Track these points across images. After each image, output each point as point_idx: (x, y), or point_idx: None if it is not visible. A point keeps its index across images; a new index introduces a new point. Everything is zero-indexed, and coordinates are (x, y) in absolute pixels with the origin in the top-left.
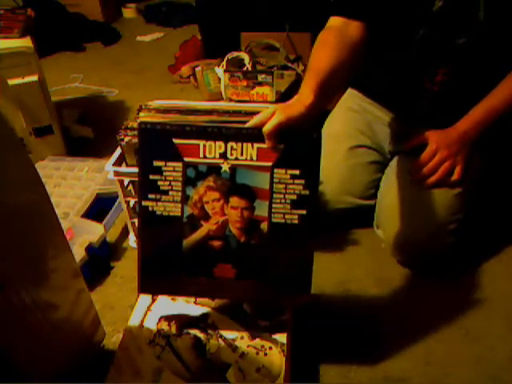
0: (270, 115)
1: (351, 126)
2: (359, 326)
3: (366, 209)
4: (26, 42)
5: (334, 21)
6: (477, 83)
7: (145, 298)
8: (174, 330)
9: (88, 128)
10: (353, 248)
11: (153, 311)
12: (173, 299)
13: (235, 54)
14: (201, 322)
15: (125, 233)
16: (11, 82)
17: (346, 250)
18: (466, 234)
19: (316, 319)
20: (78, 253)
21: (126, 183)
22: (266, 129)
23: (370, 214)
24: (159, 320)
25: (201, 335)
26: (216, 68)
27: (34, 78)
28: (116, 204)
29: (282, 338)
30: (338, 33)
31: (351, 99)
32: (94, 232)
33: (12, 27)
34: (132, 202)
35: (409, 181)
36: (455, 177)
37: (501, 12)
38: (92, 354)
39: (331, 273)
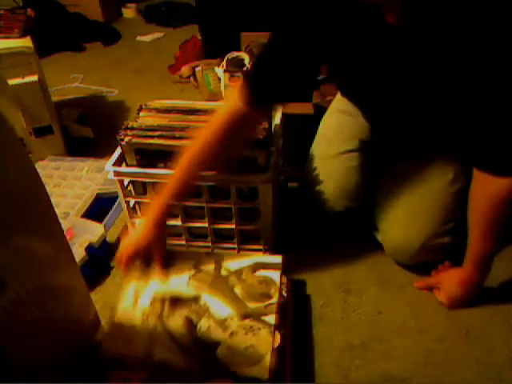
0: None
1: (344, 129)
2: (359, 327)
3: (365, 210)
4: (26, 42)
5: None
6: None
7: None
8: (166, 309)
9: (88, 128)
10: (353, 248)
11: (146, 290)
12: (166, 279)
13: (235, 53)
14: (193, 303)
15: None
16: (11, 82)
17: (346, 250)
18: (466, 234)
19: (316, 319)
20: (78, 253)
21: (125, 183)
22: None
23: (369, 215)
24: (152, 299)
25: (192, 315)
26: (216, 68)
27: (34, 78)
28: (116, 204)
29: (270, 319)
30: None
31: (343, 101)
32: (93, 232)
33: (12, 27)
34: (132, 201)
35: (404, 183)
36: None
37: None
38: (92, 354)
39: (331, 273)
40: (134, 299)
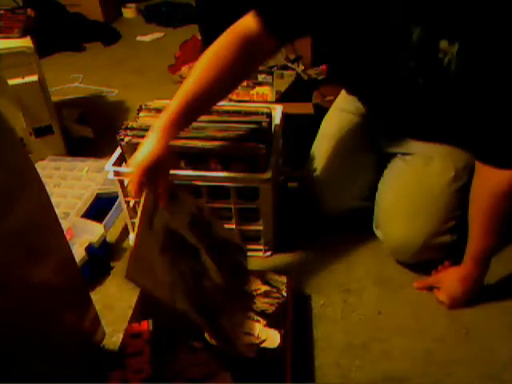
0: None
1: (346, 127)
2: (359, 327)
3: (366, 209)
4: (26, 42)
5: (251, 22)
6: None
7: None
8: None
9: (88, 128)
10: (353, 248)
11: (157, 216)
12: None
13: None
14: (194, 256)
15: (125, 233)
16: (11, 81)
17: (346, 250)
18: (466, 234)
19: (316, 319)
20: (78, 253)
21: (126, 183)
22: (130, 190)
23: (369, 214)
24: (164, 229)
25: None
26: None
27: (34, 78)
28: (116, 204)
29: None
30: (248, 42)
31: (345, 100)
32: (94, 232)
33: (12, 27)
34: (132, 201)
35: (405, 182)
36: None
37: (473, 64)
38: (92, 353)
39: (331, 273)
40: (149, 225)
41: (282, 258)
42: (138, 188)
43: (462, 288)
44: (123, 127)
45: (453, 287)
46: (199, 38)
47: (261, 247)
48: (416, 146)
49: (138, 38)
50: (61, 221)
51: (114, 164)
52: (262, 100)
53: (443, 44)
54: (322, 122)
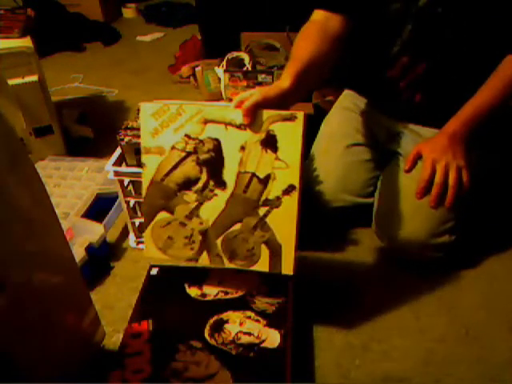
0: (250, 95)
1: (347, 124)
2: (359, 327)
3: (365, 207)
4: (26, 42)
5: (317, 14)
6: (458, 79)
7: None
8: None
9: (88, 128)
10: (353, 248)
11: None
12: None
13: (235, 54)
14: None
15: (125, 233)
16: (11, 81)
17: (346, 249)
18: (466, 234)
19: (316, 319)
20: (78, 253)
21: (125, 183)
22: (245, 105)
23: (369, 213)
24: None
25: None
26: (216, 68)
27: (34, 78)
28: (116, 204)
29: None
30: (319, 26)
31: (347, 99)
32: (93, 232)
33: (12, 27)
34: (132, 201)
35: (404, 181)
36: (465, 179)
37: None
38: (92, 353)
39: (331, 272)
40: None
41: None
42: (251, 111)
43: (445, 138)
44: (123, 127)
45: (434, 140)
46: (199, 37)
47: None
48: (411, 144)
49: (138, 38)
50: (61, 221)
51: (114, 164)
52: None
53: None
54: (323, 122)
